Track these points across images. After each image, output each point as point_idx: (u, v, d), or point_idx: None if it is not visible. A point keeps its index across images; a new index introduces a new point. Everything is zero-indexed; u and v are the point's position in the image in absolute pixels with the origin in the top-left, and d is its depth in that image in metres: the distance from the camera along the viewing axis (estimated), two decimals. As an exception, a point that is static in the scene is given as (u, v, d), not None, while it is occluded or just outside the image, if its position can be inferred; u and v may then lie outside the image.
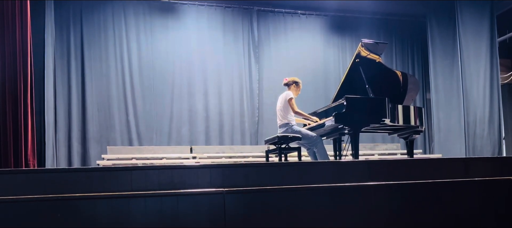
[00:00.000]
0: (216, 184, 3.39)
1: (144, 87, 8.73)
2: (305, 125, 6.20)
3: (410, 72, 9.97)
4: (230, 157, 8.05)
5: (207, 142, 8.87)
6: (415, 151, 6.97)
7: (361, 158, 6.30)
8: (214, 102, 9.01)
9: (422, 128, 5.79)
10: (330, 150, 6.44)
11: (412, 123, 5.65)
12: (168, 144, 8.67)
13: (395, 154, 8.92)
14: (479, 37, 8.48)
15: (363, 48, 5.91)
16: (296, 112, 5.80)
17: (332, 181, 3.60)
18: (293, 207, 3.29)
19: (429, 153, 9.74)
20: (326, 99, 8.54)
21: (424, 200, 3.56)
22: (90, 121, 8.38)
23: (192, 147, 8.36)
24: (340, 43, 9.92)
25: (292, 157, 6.82)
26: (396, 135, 6.11)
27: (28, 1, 6.61)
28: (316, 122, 5.84)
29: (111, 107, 8.52)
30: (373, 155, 8.69)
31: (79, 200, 2.99)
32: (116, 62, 8.64)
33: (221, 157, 8.05)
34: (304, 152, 6.08)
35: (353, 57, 5.98)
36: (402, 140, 6.29)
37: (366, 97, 5.65)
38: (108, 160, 7.65)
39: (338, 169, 3.83)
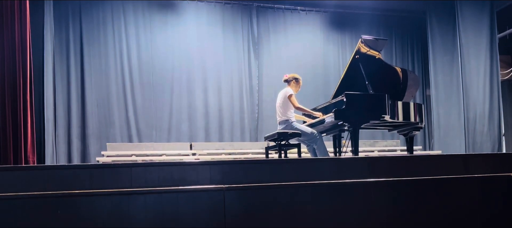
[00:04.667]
0: (216, 181, 3.39)
1: (143, 84, 8.72)
2: (304, 122, 6.20)
3: (410, 69, 9.96)
4: (230, 154, 8.05)
5: (207, 139, 8.87)
6: (415, 148, 6.96)
7: (361, 155, 6.30)
8: (213, 99, 9.00)
9: (422, 124, 5.79)
10: (330, 147, 6.44)
11: (412, 119, 5.64)
12: (168, 140, 8.67)
13: (395, 151, 8.92)
14: (479, 33, 8.48)
15: (363, 45, 5.90)
16: (297, 108, 5.79)
17: (332, 177, 3.60)
18: (293, 204, 3.29)
19: (429, 149, 9.75)
20: (326, 96, 8.53)
21: (423, 197, 3.56)
22: (90, 118, 8.38)
23: (192, 143, 8.36)
24: (339, 40, 9.91)
25: (292, 154, 6.82)
26: (396, 131, 6.11)
27: (27, -2, 6.61)
28: (317, 117, 5.82)
29: (110, 104, 8.51)
30: (373, 151, 8.69)
31: (78, 197, 2.99)
32: (115, 59, 8.63)
33: (221, 154, 8.04)
34: (304, 148, 6.08)
35: (353, 54, 5.96)
36: (402, 137, 6.28)
37: (366, 94, 5.64)
38: (107, 156, 7.64)
39: (338, 165, 3.83)
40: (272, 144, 5.98)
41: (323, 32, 9.80)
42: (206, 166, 3.46)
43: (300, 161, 3.91)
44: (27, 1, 6.58)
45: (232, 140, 8.93)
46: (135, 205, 3.02)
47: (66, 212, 2.93)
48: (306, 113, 6.00)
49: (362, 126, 5.49)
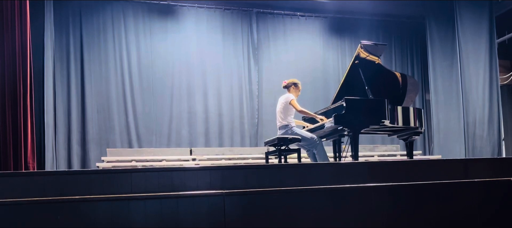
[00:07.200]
0: (216, 186, 3.39)
1: (143, 89, 8.73)
2: (304, 127, 6.20)
3: (410, 74, 9.98)
4: (230, 159, 8.04)
5: (207, 144, 8.87)
6: (414, 152, 6.96)
7: (360, 159, 6.30)
8: (213, 104, 9.01)
9: (421, 129, 5.80)
10: (329, 152, 6.44)
11: (412, 124, 5.65)
12: (168, 145, 8.66)
13: (395, 155, 8.92)
14: (478, 38, 8.49)
15: (362, 50, 5.92)
16: (300, 111, 5.79)
17: (332, 182, 3.60)
18: (293, 209, 3.29)
19: (429, 154, 9.74)
20: (326, 101, 8.54)
21: (423, 201, 3.56)
22: (90, 123, 8.38)
23: (192, 148, 8.36)
24: (339, 45, 9.93)
25: (292, 159, 6.82)
26: (395, 136, 6.11)
27: (28, 2, 6.62)
28: (322, 120, 5.81)
29: (110, 109, 8.51)
30: (372, 156, 8.69)
31: (79, 202, 2.99)
32: (115, 64, 8.64)
33: (220, 159, 8.04)
34: (303, 153, 6.08)
35: (353, 59, 5.98)
36: (401, 141, 6.30)
37: (366, 99, 5.65)
38: (107, 162, 7.64)
39: (338, 170, 3.83)
40: (272, 149, 5.98)
41: (322, 37, 9.82)
42: (206, 171, 3.46)
43: (300, 166, 3.91)
44: (28, 6, 6.60)
45: (232, 145, 8.93)
46: (135, 211, 3.02)
47: (66, 218, 2.93)
48: (308, 116, 6.00)
49: (361, 131, 5.50)
